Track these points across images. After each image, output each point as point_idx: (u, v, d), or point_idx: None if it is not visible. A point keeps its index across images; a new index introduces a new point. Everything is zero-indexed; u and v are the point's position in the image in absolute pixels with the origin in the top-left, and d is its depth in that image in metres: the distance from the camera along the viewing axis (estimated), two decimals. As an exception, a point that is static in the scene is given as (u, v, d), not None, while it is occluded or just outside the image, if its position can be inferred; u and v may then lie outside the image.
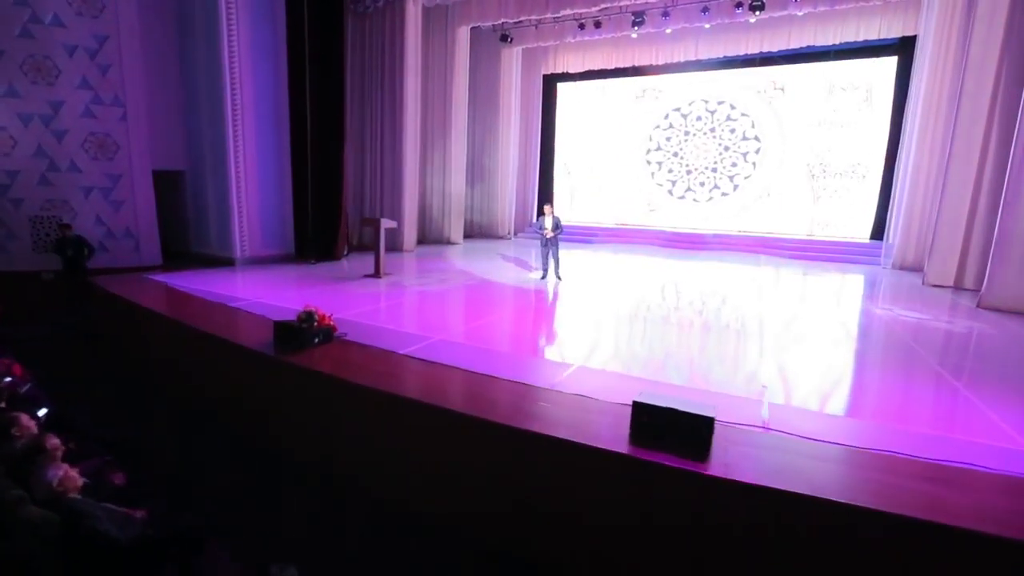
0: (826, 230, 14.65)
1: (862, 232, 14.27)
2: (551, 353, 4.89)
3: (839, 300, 7.99)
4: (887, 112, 13.55)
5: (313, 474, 3.99)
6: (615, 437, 2.98)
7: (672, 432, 2.90)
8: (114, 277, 7.62)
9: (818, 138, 14.46)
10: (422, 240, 13.97)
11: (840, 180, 14.35)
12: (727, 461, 2.71)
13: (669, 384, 4.03)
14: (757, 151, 15.20)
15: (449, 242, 14.29)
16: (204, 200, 9.67)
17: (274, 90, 9.47)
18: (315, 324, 4.33)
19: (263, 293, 6.85)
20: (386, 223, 8.39)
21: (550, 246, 8.53)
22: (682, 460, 2.73)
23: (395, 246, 11.95)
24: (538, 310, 6.96)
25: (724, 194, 15.78)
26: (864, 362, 4.86)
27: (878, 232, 13.87)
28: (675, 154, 16.22)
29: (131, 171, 8.74)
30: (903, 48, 13.09)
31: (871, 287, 9.23)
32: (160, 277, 7.71)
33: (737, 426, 3.13)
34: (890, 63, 13.50)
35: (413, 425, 3.46)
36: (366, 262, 9.86)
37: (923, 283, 9.55)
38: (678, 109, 16.03)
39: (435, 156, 14.01)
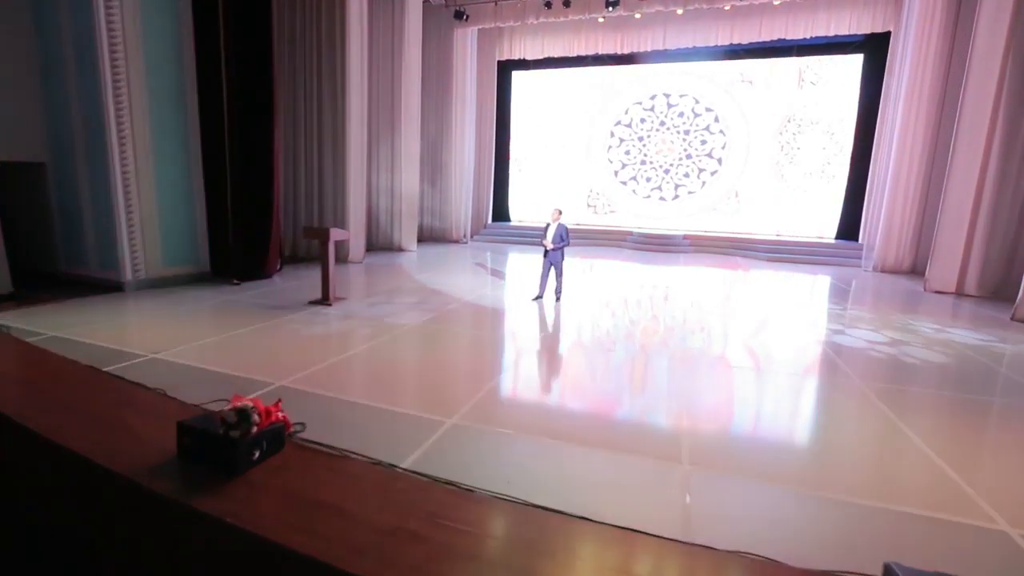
0: (792, 229, 14.26)
1: (828, 231, 14.00)
2: (629, 440, 3.36)
3: (881, 320, 7.11)
4: (854, 110, 13.27)
5: None
6: None
7: None
8: (-74, 318, 5.18)
9: (786, 135, 14.00)
10: (369, 247, 11.96)
11: (808, 179, 13.99)
12: None
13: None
14: (723, 146, 14.55)
15: (401, 249, 12.37)
16: (76, 201, 7.19)
17: (175, 52, 7.17)
18: (254, 428, 2.52)
19: (166, 340, 4.79)
20: (337, 234, 6.48)
21: (551, 260, 7.02)
22: None
23: (340, 256, 9.92)
24: (565, 351, 5.42)
25: (691, 192, 15.05)
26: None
27: (844, 232, 13.65)
28: (640, 144, 15.26)
29: (-43, 162, 6.18)
30: (870, 46, 12.84)
31: (885, 298, 8.51)
32: (5, 315, 5.36)
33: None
34: (857, 60, 13.22)
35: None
36: (306, 281, 7.85)
37: (925, 289, 9.05)
38: (640, 103, 15.06)
39: (382, 149, 12.03)
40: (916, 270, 11.19)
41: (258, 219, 7.82)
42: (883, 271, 11.27)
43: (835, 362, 4.93)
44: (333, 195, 10.07)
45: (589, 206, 16.09)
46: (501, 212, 16.66)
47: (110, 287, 6.90)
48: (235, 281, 7.50)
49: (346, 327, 5.55)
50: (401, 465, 2.68)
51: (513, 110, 16.30)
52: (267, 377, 3.87)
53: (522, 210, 16.71)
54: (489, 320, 6.33)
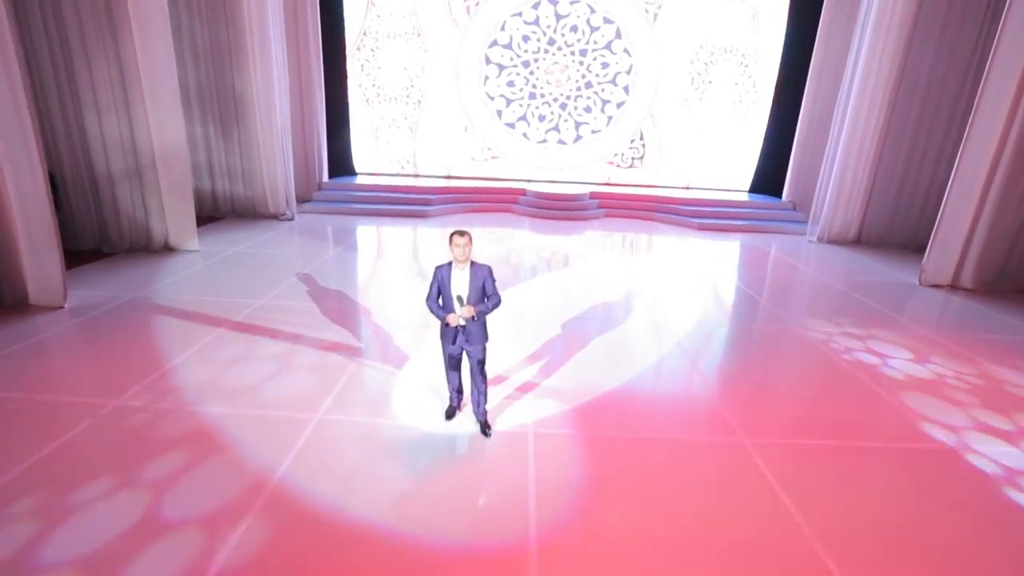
0: (703, 180, 12.06)
1: (740, 183, 12.04)
2: None
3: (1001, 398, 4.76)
4: (780, 39, 10.89)
5: None
6: None
7: None
8: None
9: (698, 65, 11.25)
10: (97, 254, 6.54)
11: (719, 121, 11.57)
12: None
13: None
14: (629, 69, 11.37)
15: (168, 248, 7.08)
16: None
17: None
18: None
19: None
20: None
21: (464, 344, 3.13)
22: None
23: (10, 300, 4.67)
24: None
25: (580, 138, 11.83)
26: None
27: (760, 185, 11.82)
28: (525, 69, 11.35)
29: None
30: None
31: (906, 311, 6.33)
32: None
33: None
34: (786, -25, 10.68)
35: None
36: None
37: (920, 283, 7.22)
38: (533, 9, 10.94)
39: (98, 69, 6.27)
40: (861, 241, 9.63)
41: None
42: (828, 242, 9.53)
43: None
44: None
45: (464, 151, 11.98)
46: (343, 164, 11.65)
47: None
48: None
49: None
50: None
51: (347, 11, 10.95)
52: None
53: (372, 159, 11.93)
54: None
